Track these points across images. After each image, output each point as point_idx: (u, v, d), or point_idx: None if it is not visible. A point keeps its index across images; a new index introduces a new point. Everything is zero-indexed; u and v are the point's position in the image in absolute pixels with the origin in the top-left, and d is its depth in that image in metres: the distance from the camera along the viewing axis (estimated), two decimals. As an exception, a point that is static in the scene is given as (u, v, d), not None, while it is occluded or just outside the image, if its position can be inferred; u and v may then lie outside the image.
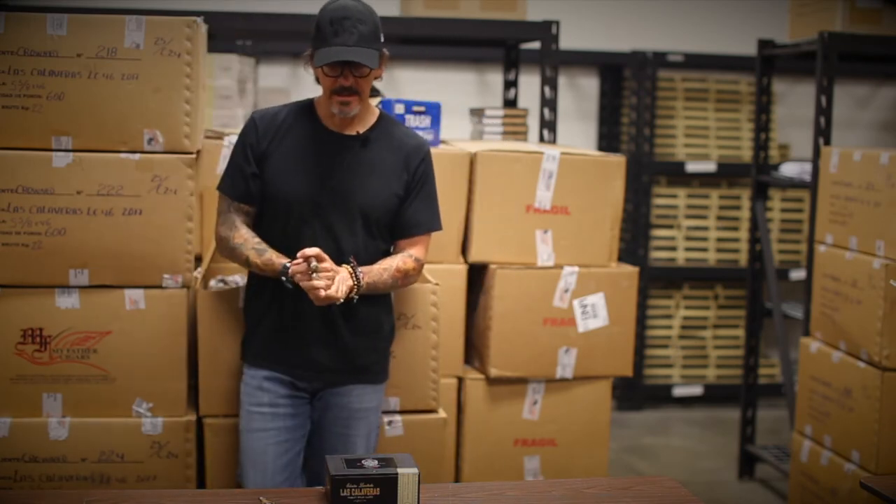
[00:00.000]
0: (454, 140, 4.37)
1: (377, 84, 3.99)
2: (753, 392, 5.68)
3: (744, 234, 6.90)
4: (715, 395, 6.93)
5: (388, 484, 2.53)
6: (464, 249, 3.93)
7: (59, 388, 3.37)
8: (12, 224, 3.30)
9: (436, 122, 3.90)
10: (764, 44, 5.53)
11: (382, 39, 3.11)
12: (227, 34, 5.55)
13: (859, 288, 4.23)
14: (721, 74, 7.01)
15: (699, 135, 6.90)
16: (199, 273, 3.59)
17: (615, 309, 3.96)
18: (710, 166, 6.78)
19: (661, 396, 6.91)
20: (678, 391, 6.89)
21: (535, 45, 4.97)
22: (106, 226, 3.33)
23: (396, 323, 3.44)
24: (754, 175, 5.64)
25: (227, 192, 3.20)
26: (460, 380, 3.93)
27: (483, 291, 3.94)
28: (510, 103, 5.41)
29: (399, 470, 2.55)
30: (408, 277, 3.23)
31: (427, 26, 4.90)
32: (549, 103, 4.88)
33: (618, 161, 4.00)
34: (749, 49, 6.12)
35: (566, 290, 3.91)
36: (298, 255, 2.97)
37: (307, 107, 3.23)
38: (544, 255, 3.91)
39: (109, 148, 3.33)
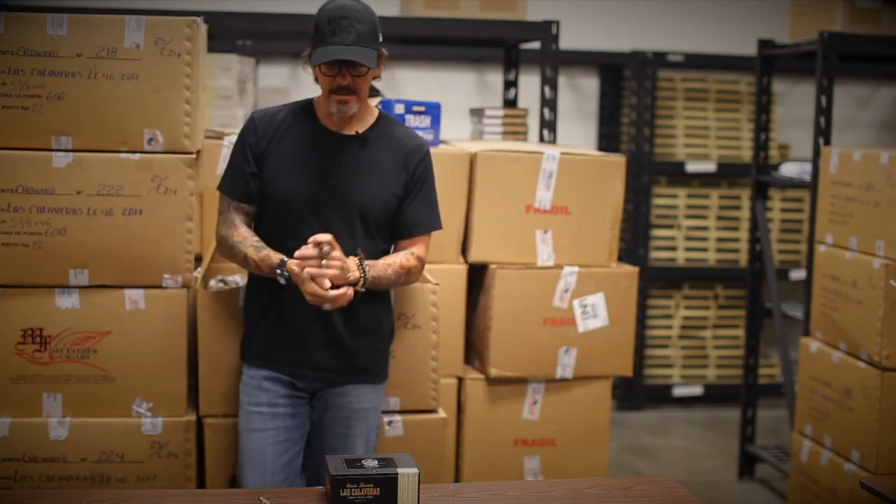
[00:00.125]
0: (454, 140, 4.37)
1: (377, 84, 3.99)
2: (753, 392, 5.68)
3: (744, 234, 6.90)
4: (715, 395, 6.93)
5: (388, 484, 2.53)
6: (464, 249, 3.93)
7: (59, 388, 3.37)
8: (12, 224, 3.30)
9: (436, 122, 3.90)
10: (764, 44, 5.53)
11: (381, 39, 3.11)
12: (227, 34, 5.55)
13: (859, 288, 4.23)
14: (721, 74, 7.02)
15: (699, 135, 6.90)
16: (199, 273, 3.59)
17: (615, 309, 3.96)
18: (710, 166, 6.78)
19: (661, 396, 6.91)
20: (678, 391, 6.89)
21: (535, 45, 4.97)
22: (106, 226, 3.33)
23: (396, 323, 3.44)
24: (754, 175, 5.64)
25: (227, 192, 3.20)
26: (460, 380, 3.93)
27: (483, 291, 3.94)
28: (510, 103, 5.41)
29: (399, 470, 2.55)
30: (410, 275, 3.23)
31: (427, 26, 4.90)
32: (549, 103, 4.88)
33: (618, 161, 4.00)
34: (749, 49, 6.12)
35: (566, 290, 3.91)
36: (310, 240, 2.95)
37: (306, 107, 3.23)
38: (544, 255, 3.91)
39: (109, 148, 3.33)
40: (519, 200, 3.89)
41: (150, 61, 3.31)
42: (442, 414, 3.61)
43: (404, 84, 6.79)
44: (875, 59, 6.27)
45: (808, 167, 5.32)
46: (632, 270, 4.02)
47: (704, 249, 6.93)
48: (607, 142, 7.19)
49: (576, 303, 3.93)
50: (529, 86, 5.90)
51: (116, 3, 5.14)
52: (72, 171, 3.30)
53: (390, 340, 3.36)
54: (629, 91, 6.92)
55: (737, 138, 6.94)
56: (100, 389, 3.38)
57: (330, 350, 3.20)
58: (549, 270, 3.91)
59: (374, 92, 3.93)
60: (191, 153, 3.37)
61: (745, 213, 6.89)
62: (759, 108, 5.60)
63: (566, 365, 3.95)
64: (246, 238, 3.15)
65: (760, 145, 5.62)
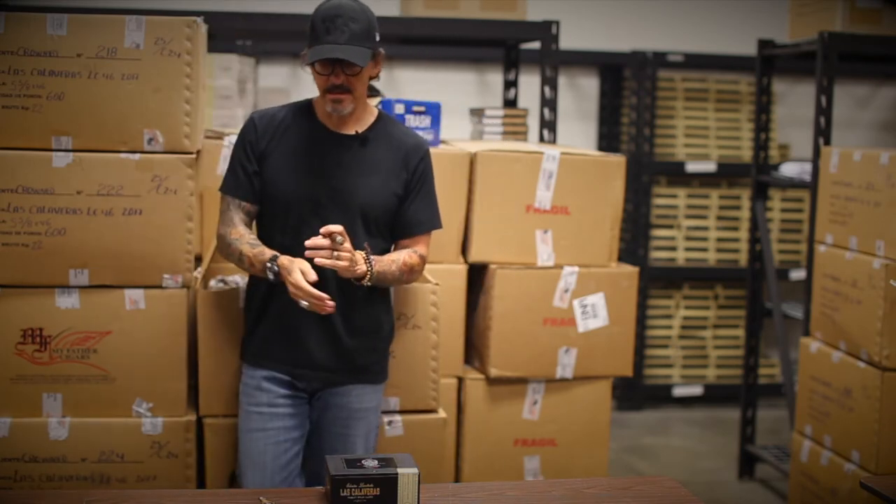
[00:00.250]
0: (454, 140, 4.37)
1: (376, 84, 3.99)
2: (753, 392, 5.68)
3: (744, 234, 6.90)
4: (715, 395, 6.93)
5: (388, 484, 2.53)
6: (464, 249, 3.93)
7: (59, 388, 3.37)
8: (12, 224, 3.29)
9: (436, 122, 3.90)
10: (764, 44, 5.53)
11: (378, 39, 3.11)
12: (227, 34, 5.55)
13: (859, 288, 4.23)
14: (721, 74, 7.02)
15: (699, 135, 6.90)
16: (199, 273, 3.59)
17: (615, 309, 3.96)
18: (710, 166, 6.78)
19: (661, 396, 6.91)
20: (678, 391, 6.89)
21: (535, 45, 4.97)
22: (106, 226, 3.33)
23: (396, 323, 3.45)
24: (754, 175, 5.64)
25: (228, 192, 3.20)
26: (460, 380, 3.93)
27: (483, 291, 3.94)
28: (510, 103, 5.41)
29: (399, 470, 2.55)
30: (413, 273, 3.23)
31: (427, 26, 4.90)
32: (549, 103, 4.88)
33: (618, 161, 4.00)
34: (749, 49, 6.12)
35: (566, 290, 3.91)
36: (322, 230, 2.93)
37: (306, 107, 3.23)
38: (544, 255, 3.91)
39: (109, 148, 3.33)
40: (519, 200, 3.89)
41: (150, 61, 3.31)
42: (442, 414, 3.61)
43: (404, 84, 6.79)
44: (875, 59, 6.27)
45: (808, 167, 5.32)
46: (632, 270, 4.02)
47: (704, 249, 6.93)
48: (607, 142, 7.19)
49: (576, 303, 3.93)
50: (529, 86, 5.90)
51: (116, 3, 5.14)
52: (72, 171, 3.30)
53: (390, 340, 3.36)
54: (629, 91, 6.92)
55: (737, 138, 6.94)
56: (100, 389, 3.38)
57: (330, 350, 3.20)
58: (549, 270, 3.91)
59: (374, 92, 3.94)
60: (191, 153, 3.37)
61: (745, 213, 6.89)
62: (759, 108, 5.60)
63: (566, 365, 3.95)
64: (243, 235, 3.15)
65: (760, 145, 5.62)
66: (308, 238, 2.97)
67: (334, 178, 3.15)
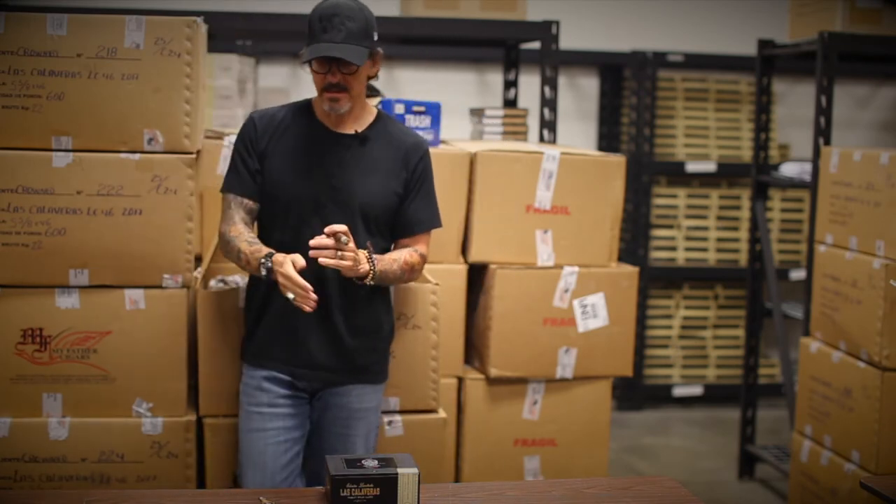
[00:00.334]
0: (454, 140, 4.37)
1: (376, 84, 3.99)
2: (753, 392, 5.68)
3: (744, 234, 6.90)
4: (715, 395, 6.93)
5: (388, 484, 2.53)
6: (464, 249, 3.93)
7: (59, 388, 3.37)
8: (12, 224, 3.30)
9: (436, 122, 3.90)
10: (764, 44, 5.53)
11: (376, 38, 3.11)
12: (227, 34, 5.55)
13: (859, 288, 4.23)
14: (721, 74, 7.02)
15: (699, 135, 6.90)
16: (199, 273, 3.59)
17: (615, 309, 3.96)
18: (710, 166, 6.78)
19: (661, 396, 6.91)
20: (678, 391, 6.89)
21: (535, 45, 4.97)
22: (106, 226, 3.33)
23: (396, 323, 3.45)
24: (754, 175, 5.64)
25: (230, 190, 3.20)
26: (460, 380, 3.93)
27: (483, 291, 3.94)
28: (510, 103, 5.41)
29: (399, 470, 2.55)
30: (413, 272, 3.23)
31: (427, 26, 4.90)
32: (549, 103, 4.88)
33: (618, 161, 4.00)
34: (749, 49, 6.12)
35: (566, 290, 3.91)
36: (326, 230, 2.92)
37: (305, 106, 3.23)
38: (544, 255, 3.91)
39: (109, 148, 3.33)
40: (519, 200, 3.89)
41: (150, 61, 3.31)
42: (442, 414, 3.61)
43: (404, 84, 6.79)
44: (875, 59, 6.27)
45: (808, 167, 5.32)
46: (632, 270, 4.02)
47: (704, 249, 6.93)
48: (607, 142, 7.19)
49: (576, 303, 3.93)
50: (529, 86, 5.90)
51: (116, 3, 5.14)
52: (72, 171, 3.30)
53: (390, 340, 3.36)
54: (629, 91, 6.92)
55: (737, 138, 6.94)
56: (100, 389, 3.38)
57: (330, 350, 3.20)
58: (549, 270, 3.91)
59: (374, 92, 3.94)
60: (191, 153, 3.37)
61: (745, 213, 6.89)
62: (759, 108, 5.60)
63: (566, 365, 3.95)
64: (241, 233, 3.15)
65: (760, 145, 5.62)
66: (308, 237, 2.96)
67: (334, 177, 3.15)
